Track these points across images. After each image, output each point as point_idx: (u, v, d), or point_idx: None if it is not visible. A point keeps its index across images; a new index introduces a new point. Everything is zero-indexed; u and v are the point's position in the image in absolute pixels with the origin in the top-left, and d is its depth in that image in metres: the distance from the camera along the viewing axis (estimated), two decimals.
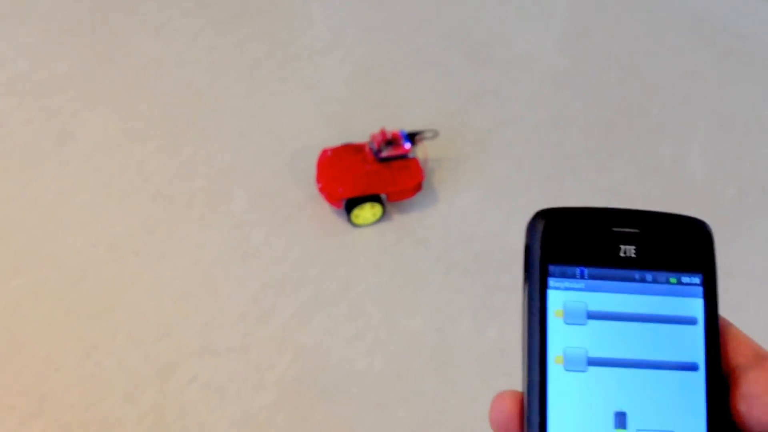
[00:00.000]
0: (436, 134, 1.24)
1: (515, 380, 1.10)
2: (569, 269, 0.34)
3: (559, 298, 0.34)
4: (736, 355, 0.33)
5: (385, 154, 1.19)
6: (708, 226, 0.35)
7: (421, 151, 1.24)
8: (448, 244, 1.20)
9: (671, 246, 0.34)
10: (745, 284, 1.18)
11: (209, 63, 1.39)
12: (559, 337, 0.33)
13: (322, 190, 1.19)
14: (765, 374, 0.32)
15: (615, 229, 0.34)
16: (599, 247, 0.34)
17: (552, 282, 0.34)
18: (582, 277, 0.34)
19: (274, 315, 1.10)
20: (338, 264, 1.16)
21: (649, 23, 1.56)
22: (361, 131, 1.30)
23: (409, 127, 1.24)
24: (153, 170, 1.24)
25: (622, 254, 0.34)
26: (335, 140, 1.29)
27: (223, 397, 1.03)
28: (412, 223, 1.21)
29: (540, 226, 0.34)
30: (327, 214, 1.21)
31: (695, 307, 0.34)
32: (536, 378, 0.33)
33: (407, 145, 1.20)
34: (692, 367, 0.33)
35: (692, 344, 0.33)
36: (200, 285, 1.12)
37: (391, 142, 1.20)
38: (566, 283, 0.34)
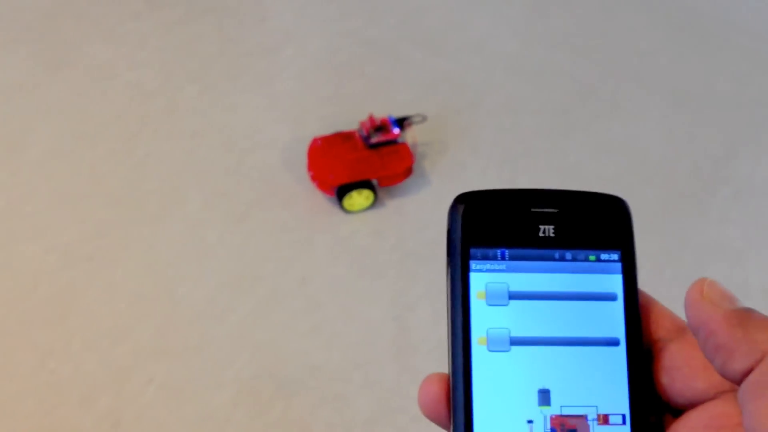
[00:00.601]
0: (424, 119, 1.25)
1: None
2: (490, 251, 0.34)
3: (481, 280, 0.34)
4: (658, 328, 0.33)
5: (374, 140, 1.20)
6: (625, 203, 0.35)
7: (410, 136, 1.24)
8: (403, 232, 1.20)
9: (589, 224, 0.35)
10: (699, 257, 1.19)
11: (160, 64, 1.38)
12: (482, 318, 0.33)
13: (313, 178, 1.20)
14: (685, 346, 0.32)
15: (534, 210, 0.34)
16: (519, 228, 0.34)
17: (474, 265, 0.34)
18: (503, 258, 0.34)
19: (230, 313, 1.10)
20: (294, 259, 1.16)
21: (601, 3, 1.57)
22: (316, 126, 1.30)
23: (357, 117, 1.24)
24: (105, 174, 1.23)
25: (541, 234, 0.34)
26: (289, 137, 1.29)
27: (180, 398, 1.02)
28: (367, 217, 1.21)
29: (460, 210, 0.35)
30: (282, 210, 1.21)
31: (614, 283, 0.34)
32: (460, 360, 0.33)
33: (396, 131, 1.21)
34: (613, 342, 0.33)
35: (613, 320, 0.34)
36: (155, 287, 1.12)
37: (381, 128, 1.21)
38: (488, 265, 0.34)
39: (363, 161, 1.19)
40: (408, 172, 1.22)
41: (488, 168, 1.29)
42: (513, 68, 1.44)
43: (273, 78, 1.38)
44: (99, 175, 1.23)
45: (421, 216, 1.22)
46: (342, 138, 1.22)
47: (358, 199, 1.20)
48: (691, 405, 0.31)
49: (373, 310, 1.12)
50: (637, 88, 1.41)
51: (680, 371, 0.32)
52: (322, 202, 1.21)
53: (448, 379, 0.33)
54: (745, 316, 0.29)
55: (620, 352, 0.33)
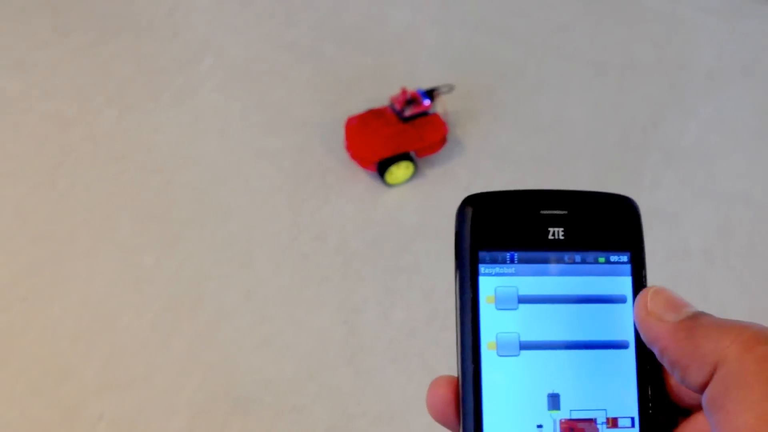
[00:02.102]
0: (451, 88, 1.28)
1: (427, 360, 1.10)
2: (499, 254, 0.34)
3: (490, 284, 0.33)
4: None
5: (408, 113, 1.23)
6: (634, 203, 0.35)
7: (441, 106, 1.27)
8: (344, 234, 1.19)
9: (598, 225, 0.34)
10: None
11: (75, 91, 1.34)
12: (492, 323, 0.33)
13: (354, 156, 1.23)
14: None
15: (543, 212, 0.34)
16: (528, 231, 0.34)
17: (483, 268, 0.33)
18: (512, 261, 0.34)
19: (175, 337, 1.07)
20: (234, 274, 1.13)
21: None
22: (245, 135, 1.28)
23: (287, 122, 1.23)
24: (31, 210, 1.19)
25: (551, 237, 0.34)
26: (216, 152, 1.26)
27: (133, 430, 1.00)
28: (307, 220, 1.20)
29: (468, 213, 0.34)
30: (218, 227, 1.18)
31: (624, 285, 0.34)
32: (470, 365, 0.33)
33: (427, 102, 1.23)
34: (623, 345, 0.33)
35: (622, 322, 0.33)
36: (95, 320, 1.09)
37: (412, 101, 1.23)
38: (497, 268, 0.33)
39: (400, 134, 1.22)
40: (443, 141, 1.25)
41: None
42: (436, 56, 1.44)
43: (194, 92, 1.35)
44: (24, 212, 1.19)
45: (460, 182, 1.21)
46: (375, 115, 1.25)
47: (399, 172, 1.23)
48: (700, 405, 0.31)
49: (321, 317, 1.10)
50: (561, 63, 1.42)
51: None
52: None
53: (457, 383, 0.33)
54: (692, 326, 0.29)
55: (629, 355, 0.33)
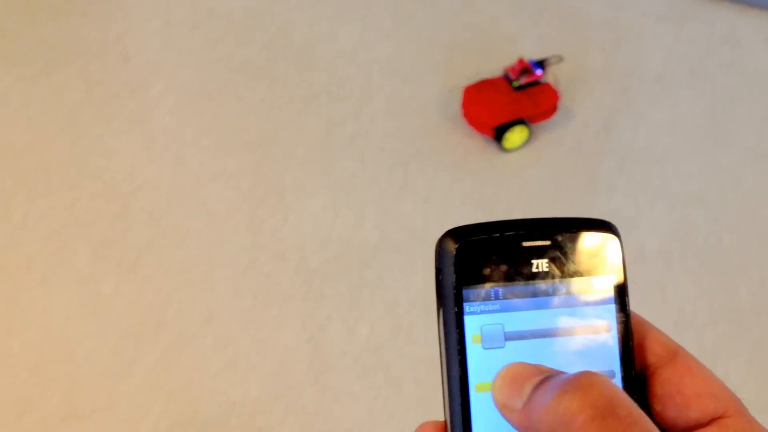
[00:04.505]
0: (560, 59, 1.35)
1: (392, 376, 1.09)
2: (483, 291, 0.33)
3: (476, 323, 0.32)
4: (650, 354, 0.33)
5: (523, 81, 1.30)
6: (615, 228, 0.34)
7: (552, 75, 1.34)
8: (305, 252, 1.18)
9: (581, 253, 0.34)
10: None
11: (25, 120, 1.33)
12: (479, 363, 0.32)
13: (471, 122, 1.32)
14: (676, 373, 0.31)
15: (525, 244, 0.33)
16: (511, 265, 0.33)
17: (467, 307, 0.32)
18: (497, 298, 0.33)
19: (137, 364, 1.06)
20: (195, 298, 1.12)
21: None
22: (200, 157, 1.27)
23: (244, 138, 1.22)
24: None
25: (534, 269, 0.33)
26: (172, 176, 1.25)
27: None
28: (267, 239, 1.19)
29: (450, 248, 0.33)
30: (176, 251, 1.17)
31: (608, 313, 0.33)
32: (458, 408, 0.32)
33: (539, 72, 1.31)
34: (609, 375, 0.32)
35: (608, 352, 0.33)
36: (55, 350, 1.07)
37: (526, 70, 1.30)
38: (481, 306, 0.32)
39: (515, 102, 1.29)
40: (555, 108, 1.32)
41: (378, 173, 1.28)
42: (389, 70, 1.44)
43: (146, 116, 1.34)
44: None
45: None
46: (489, 84, 1.32)
47: (514, 136, 1.30)
48: None
49: (284, 336, 1.09)
50: None
51: (672, 400, 0.31)
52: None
53: (444, 427, 0.32)
54: (529, 413, 0.28)
55: (616, 384, 0.32)
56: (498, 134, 1.29)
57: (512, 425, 0.29)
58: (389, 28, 1.51)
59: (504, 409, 0.29)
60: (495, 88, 1.31)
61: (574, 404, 0.26)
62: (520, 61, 1.32)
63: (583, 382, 0.27)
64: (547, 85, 1.32)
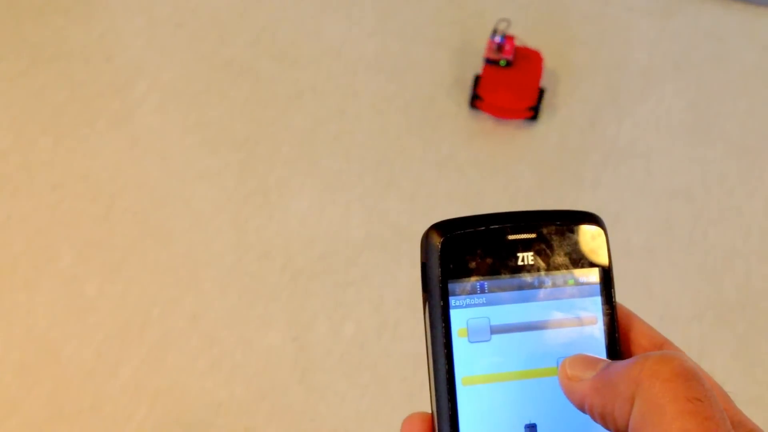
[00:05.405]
0: (509, 23, 1.37)
1: (378, 374, 1.09)
2: (469, 285, 0.33)
3: (462, 316, 0.32)
4: (636, 347, 0.33)
5: (504, 57, 1.35)
6: (600, 220, 0.35)
7: (518, 40, 1.38)
8: (290, 251, 1.18)
9: (566, 246, 0.34)
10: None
11: (8, 120, 1.32)
12: (465, 357, 0.32)
13: (498, 113, 1.33)
14: None
15: (511, 237, 0.33)
16: (496, 258, 0.33)
17: (453, 301, 0.32)
18: (482, 291, 0.33)
19: (122, 365, 1.05)
20: (180, 298, 1.12)
21: None
22: (185, 157, 1.27)
23: (232, 139, 1.21)
24: None
25: (519, 262, 0.33)
26: (156, 175, 1.25)
27: None
28: (252, 238, 1.18)
29: (436, 242, 0.33)
30: (161, 251, 1.17)
31: (594, 305, 0.33)
32: (445, 401, 0.32)
33: (504, 42, 1.35)
34: None
35: (594, 344, 0.33)
36: (39, 352, 1.07)
37: (498, 47, 1.35)
38: (467, 300, 0.33)
39: (523, 75, 1.33)
40: (542, 60, 1.37)
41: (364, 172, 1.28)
42: (374, 68, 1.44)
43: (131, 116, 1.34)
44: None
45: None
46: (491, 73, 1.34)
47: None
48: None
49: (270, 335, 1.09)
50: None
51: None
52: None
53: (431, 419, 0.32)
54: (607, 374, 0.29)
55: None
56: (536, 112, 1.32)
57: (573, 397, 0.30)
58: (374, 26, 1.51)
59: (572, 380, 0.30)
60: (499, 74, 1.34)
61: (660, 364, 0.27)
62: (490, 42, 1.35)
63: (667, 352, 0.28)
64: (520, 48, 1.36)
